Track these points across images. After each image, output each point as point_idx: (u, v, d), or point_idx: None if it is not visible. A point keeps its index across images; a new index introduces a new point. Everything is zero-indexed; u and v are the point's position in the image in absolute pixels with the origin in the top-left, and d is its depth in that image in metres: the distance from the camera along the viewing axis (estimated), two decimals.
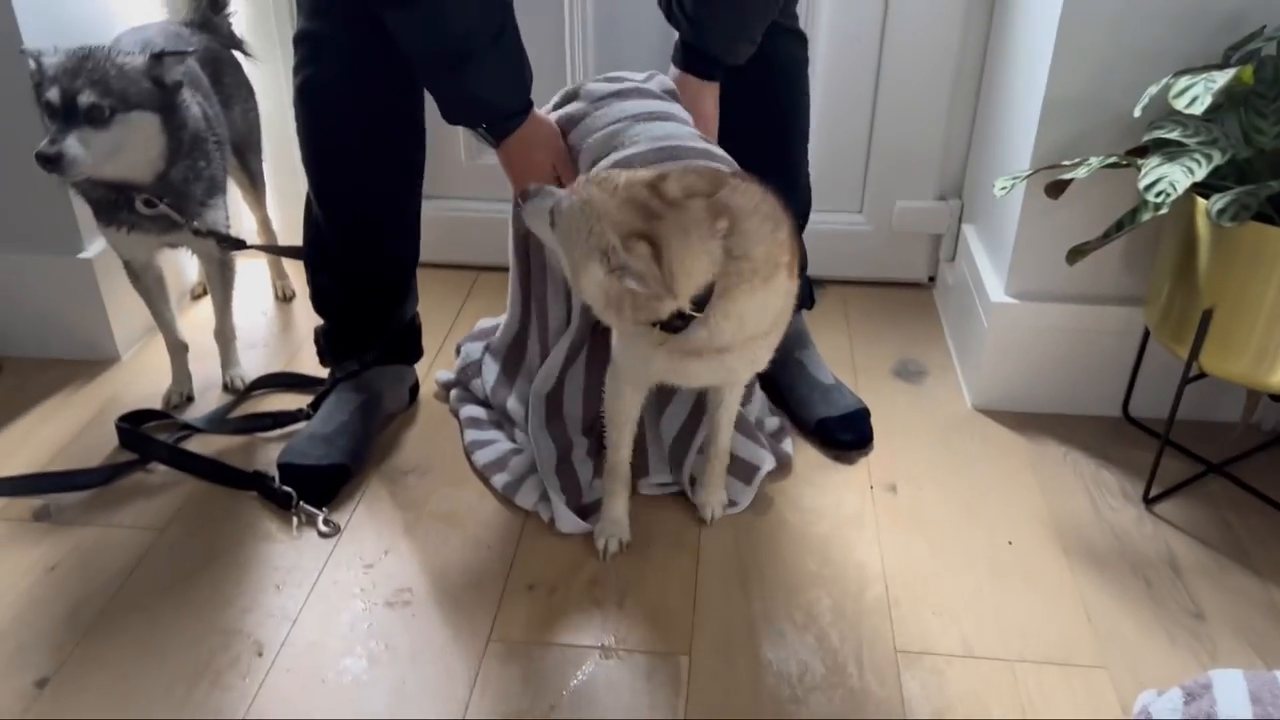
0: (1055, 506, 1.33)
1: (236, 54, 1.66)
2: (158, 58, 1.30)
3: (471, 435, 1.43)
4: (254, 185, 1.74)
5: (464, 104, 1.22)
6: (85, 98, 1.24)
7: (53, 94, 1.24)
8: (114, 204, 1.37)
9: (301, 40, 1.30)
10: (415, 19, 1.13)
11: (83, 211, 1.47)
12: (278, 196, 1.86)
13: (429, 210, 1.45)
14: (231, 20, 1.67)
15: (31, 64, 1.27)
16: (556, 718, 1.03)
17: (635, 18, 1.70)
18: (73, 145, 1.24)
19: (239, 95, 1.64)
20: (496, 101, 1.22)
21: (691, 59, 1.33)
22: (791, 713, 1.03)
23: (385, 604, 1.18)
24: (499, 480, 1.34)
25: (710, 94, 1.36)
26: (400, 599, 1.18)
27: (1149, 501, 1.33)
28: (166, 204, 1.37)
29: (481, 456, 1.39)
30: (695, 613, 1.16)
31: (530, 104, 1.26)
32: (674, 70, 1.35)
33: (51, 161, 1.24)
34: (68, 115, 1.25)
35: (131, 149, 1.30)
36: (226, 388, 1.58)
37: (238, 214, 1.96)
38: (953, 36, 1.67)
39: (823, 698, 1.05)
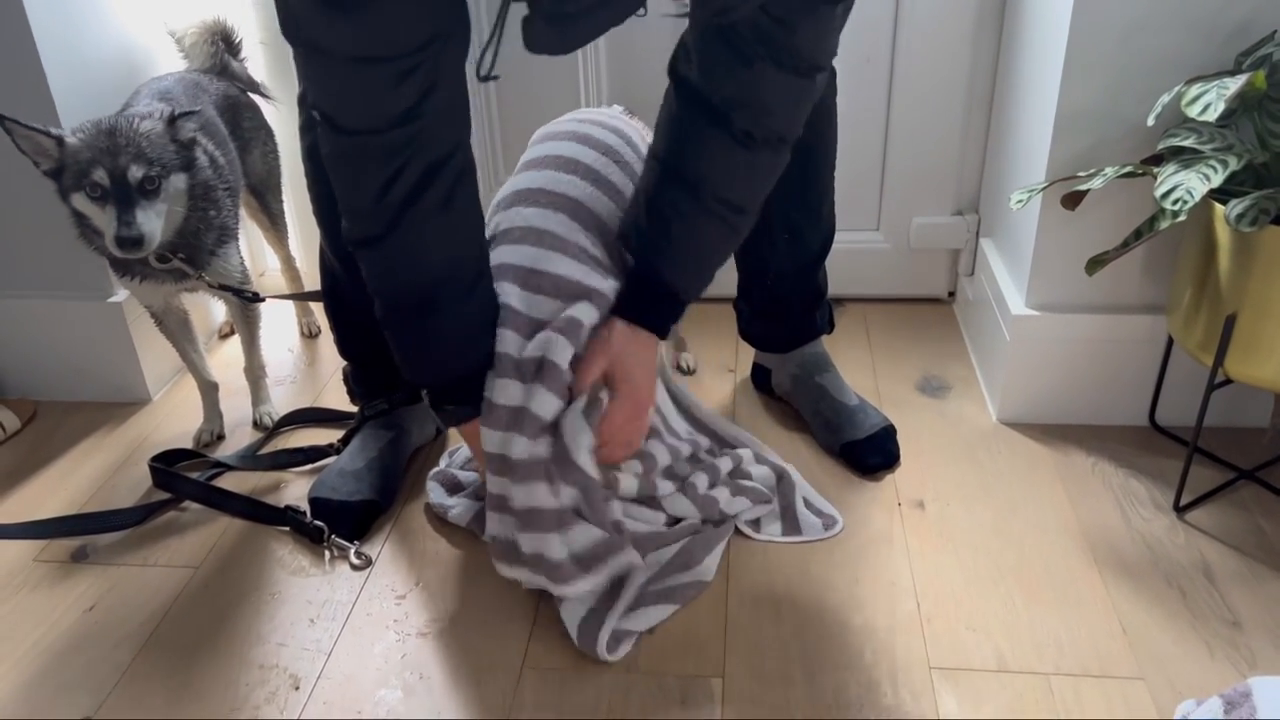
0: (1085, 518, 1.32)
1: (255, 97, 1.70)
2: (172, 121, 1.31)
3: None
4: (275, 225, 1.77)
5: (421, 361, 1.16)
6: (135, 172, 1.27)
7: (99, 175, 1.26)
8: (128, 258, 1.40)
9: (305, 102, 1.29)
10: (379, 259, 1.08)
11: None
12: (300, 234, 1.89)
13: None
14: (246, 64, 1.70)
15: (51, 145, 1.28)
16: None
17: (649, 43, 1.71)
18: (147, 221, 1.28)
19: (258, 138, 1.67)
20: (452, 367, 1.15)
21: (633, 296, 1.17)
22: None
23: (418, 634, 1.18)
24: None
25: (647, 355, 1.18)
26: (433, 629, 1.19)
27: (1180, 510, 1.33)
28: (180, 258, 1.39)
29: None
30: (727, 634, 1.16)
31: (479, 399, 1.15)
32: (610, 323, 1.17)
33: (136, 243, 1.27)
34: (122, 193, 1.27)
35: (170, 212, 1.33)
36: (257, 425, 1.60)
37: (262, 253, 2.00)
38: (963, 52, 1.68)
39: (858, 716, 1.05)
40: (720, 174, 1.11)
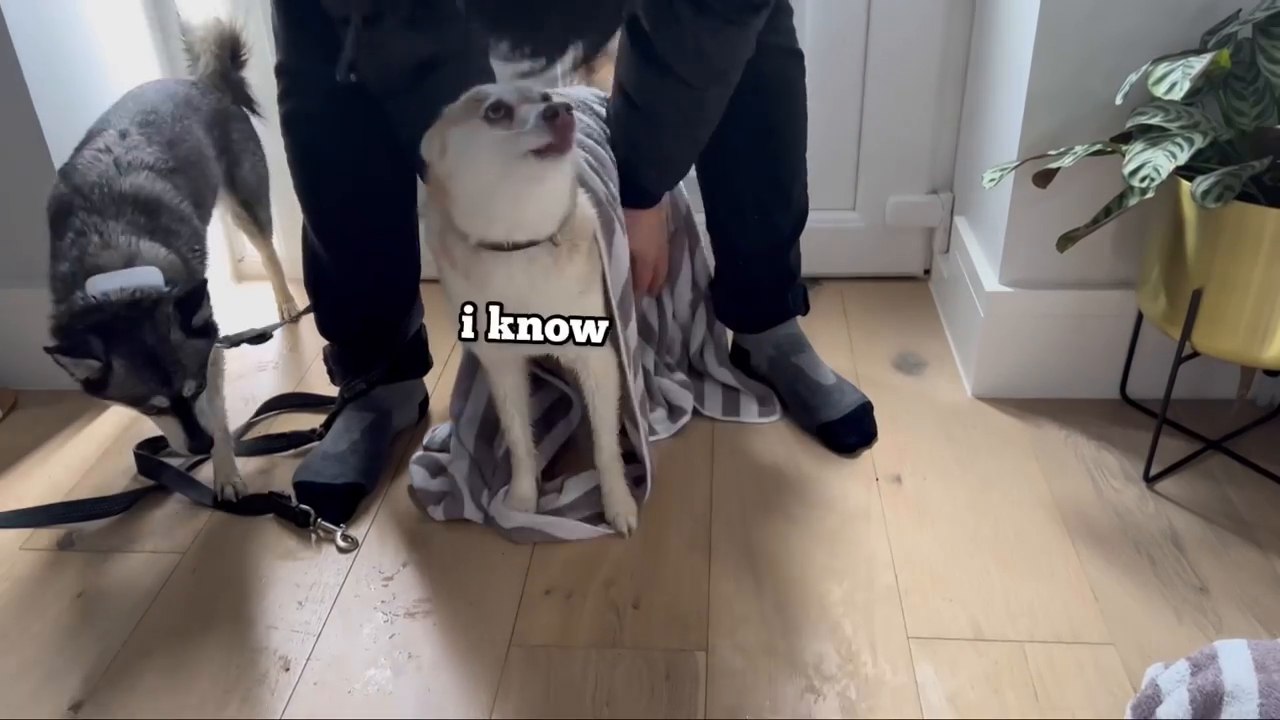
0: (1058, 489, 1.35)
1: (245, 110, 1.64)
2: (195, 324, 1.23)
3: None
4: (262, 233, 1.74)
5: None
6: (189, 389, 1.23)
7: (160, 401, 1.21)
8: None
9: (282, 72, 1.30)
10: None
11: None
12: (282, 227, 1.88)
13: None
14: (245, 78, 1.65)
15: (95, 367, 1.20)
16: (579, 718, 1.06)
17: None
18: (208, 423, 1.26)
19: (248, 149, 1.62)
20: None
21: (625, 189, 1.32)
22: (809, 702, 1.06)
23: (406, 614, 1.20)
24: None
25: (649, 217, 1.38)
26: (420, 609, 1.21)
27: (1150, 480, 1.36)
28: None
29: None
30: (710, 609, 1.18)
31: None
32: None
33: (208, 448, 1.26)
34: (184, 410, 1.24)
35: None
36: (218, 497, 1.41)
37: (240, 240, 1.99)
38: (936, 32, 1.70)
39: (839, 686, 1.07)
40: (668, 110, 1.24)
